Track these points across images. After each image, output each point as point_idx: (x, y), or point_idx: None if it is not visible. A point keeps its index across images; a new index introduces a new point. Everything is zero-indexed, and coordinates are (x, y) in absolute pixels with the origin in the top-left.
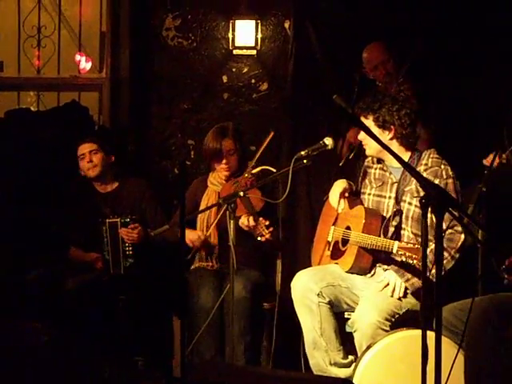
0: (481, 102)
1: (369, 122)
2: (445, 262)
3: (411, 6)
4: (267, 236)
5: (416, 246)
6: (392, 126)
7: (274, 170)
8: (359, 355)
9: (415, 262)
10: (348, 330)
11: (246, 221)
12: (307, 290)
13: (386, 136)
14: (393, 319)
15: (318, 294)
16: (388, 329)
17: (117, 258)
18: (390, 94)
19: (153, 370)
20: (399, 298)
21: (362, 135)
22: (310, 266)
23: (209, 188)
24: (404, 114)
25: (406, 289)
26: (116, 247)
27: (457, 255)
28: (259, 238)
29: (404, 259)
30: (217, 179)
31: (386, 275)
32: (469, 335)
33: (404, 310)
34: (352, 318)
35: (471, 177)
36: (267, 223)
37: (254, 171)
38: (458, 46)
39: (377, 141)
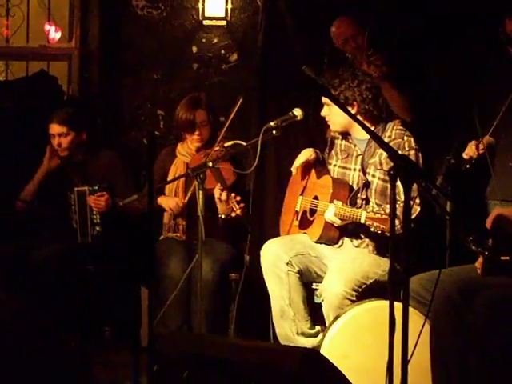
0: (453, 80)
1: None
2: (396, 228)
3: None
4: (238, 212)
5: (384, 216)
6: (354, 102)
7: (246, 145)
8: (327, 325)
9: (383, 231)
10: (317, 300)
11: (218, 193)
12: (277, 258)
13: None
14: (360, 289)
15: (288, 263)
16: (355, 299)
17: (84, 226)
18: (349, 70)
19: (120, 340)
20: None
21: (324, 111)
22: (278, 236)
23: (177, 158)
24: (365, 89)
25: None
26: (83, 215)
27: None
28: (222, 216)
29: (372, 229)
30: (186, 149)
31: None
32: (433, 312)
33: (371, 281)
34: (319, 288)
35: (442, 150)
36: (238, 199)
37: (225, 144)
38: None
39: (345, 111)
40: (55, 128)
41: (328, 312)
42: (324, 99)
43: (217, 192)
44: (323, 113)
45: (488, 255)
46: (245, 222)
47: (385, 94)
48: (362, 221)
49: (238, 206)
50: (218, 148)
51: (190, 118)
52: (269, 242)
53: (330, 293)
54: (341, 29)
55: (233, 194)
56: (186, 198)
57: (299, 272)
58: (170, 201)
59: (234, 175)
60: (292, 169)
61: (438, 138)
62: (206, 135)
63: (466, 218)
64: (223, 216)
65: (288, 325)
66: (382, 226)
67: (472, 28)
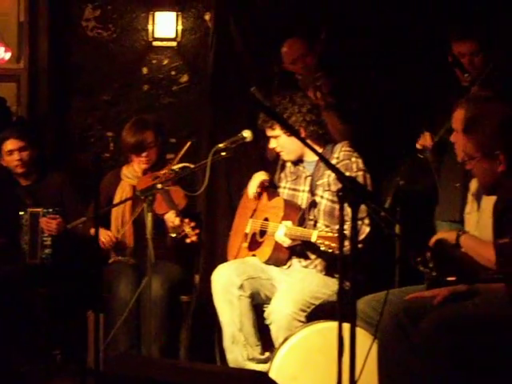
0: (402, 103)
1: (277, 132)
2: (345, 249)
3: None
4: (193, 238)
5: (335, 234)
6: (300, 128)
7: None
8: (276, 347)
9: (334, 250)
10: (267, 322)
11: (171, 219)
12: (229, 283)
13: (297, 139)
14: (308, 309)
15: (240, 287)
16: (303, 319)
17: (34, 247)
18: (286, 97)
19: (70, 364)
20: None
21: (272, 144)
22: (227, 259)
23: (123, 181)
24: (306, 111)
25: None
26: (34, 237)
27: (359, 246)
28: (173, 235)
29: (323, 248)
30: (132, 172)
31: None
32: (381, 332)
33: (320, 301)
34: (267, 310)
35: (389, 170)
36: (193, 224)
37: (174, 167)
38: (379, 35)
39: (293, 133)
40: (14, 143)
41: (277, 334)
42: (269, 133)
43: (170, 218)
44: (271, 145)
45: (435, 276)
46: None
47: (328, 123)
48: (313, 240)
49: (193, 232)
50: (165, 171)
51: (138, 140)
52: (220, 266)
53: (277, 314)
54: (291, 49)
55: (187, 220)
56: (122, 231)
57: (251, 296)
58: (102, 234)
59: (185, 199)
60: (250, 195)
61: (386, 159)
62: (153, 157)
63: (414, 239)
64: (174, 235)
65: (239, 350)
66: (333, 245)
67: (421, 49)
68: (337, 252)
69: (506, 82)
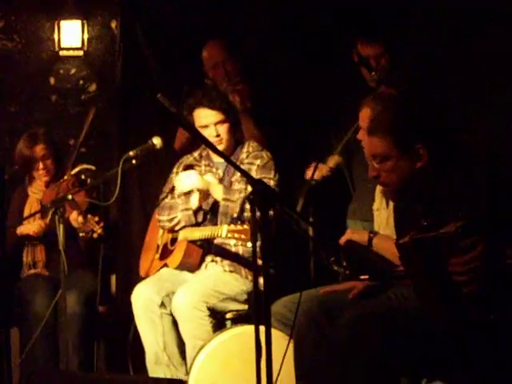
0: (311, 105)
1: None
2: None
3: (245, 6)
4: (99, 231)
5: (244, 226)
6: (231, 116)
7: (94, 168)
8: (193, 357)
9: (244, 242)
10: None
11: (74, 219)
12: (149, 302)
13: (227, 126)
14: (209, 301)
15: (161, 305)
16: (205, 310)
17: None
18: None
19: None
20: None
21: (214, 130)
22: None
23: (30, 197)
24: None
25: None
26: None
27: None
28: (82, 235)
29: (234, 242)
30: (37, 187)
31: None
32: (296, 332)
33: (224, 297)
34: (171, 305)
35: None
36: (96, 219)
37: (73, 172)
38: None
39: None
40: None
41: (182, 327)
42: (217, 117)
43: (73, 217)
44: (214, 133)
45: (348, 274)
46: (106, 245)
47: (243, 127)
48: (224, 235)
49: (97, 226)
50: (66, 177)
51: (31, 154)
52: (138, 286)
53: (177, 306)
54: (212, 53)
55: (89, 216)
56: (48, 218)
57: (172, 312)
58: (31, 226)
59: (85, 201)
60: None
61: (297, 159)
62: (50, 168)
63: (327, 239)
64: (82, 234)
65: (162, 370)
66: (243, 237)
67: (329, 49)
68: (248, 244)
69: (412, 82)
